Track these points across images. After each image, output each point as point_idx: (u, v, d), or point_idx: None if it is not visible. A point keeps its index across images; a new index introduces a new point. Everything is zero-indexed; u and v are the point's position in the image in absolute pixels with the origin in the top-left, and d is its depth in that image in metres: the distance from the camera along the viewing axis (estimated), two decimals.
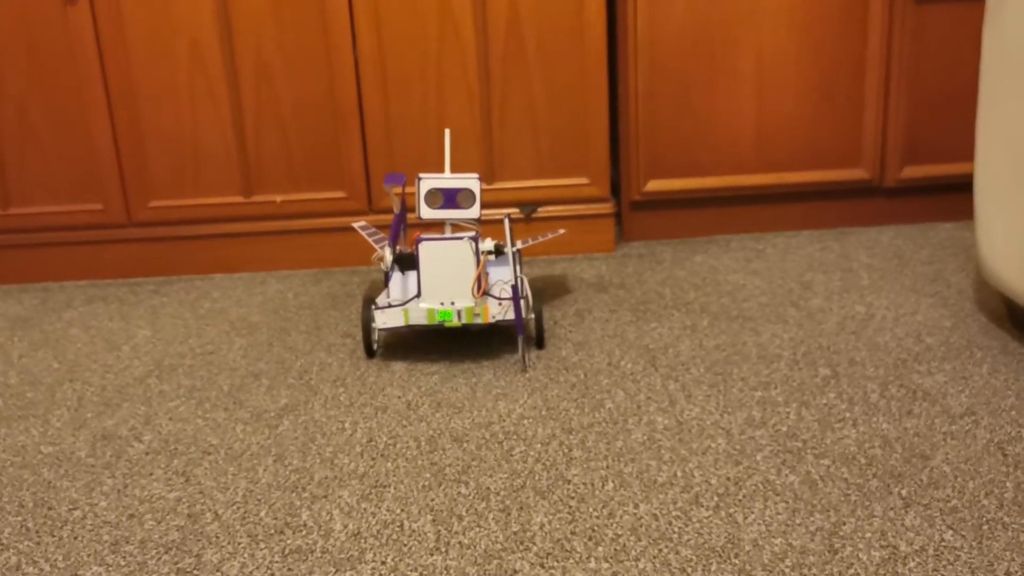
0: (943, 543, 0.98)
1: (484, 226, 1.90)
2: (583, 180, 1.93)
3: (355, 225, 1.69)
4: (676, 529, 1.02)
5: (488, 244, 1.44)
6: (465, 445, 1.21)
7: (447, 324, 1.41)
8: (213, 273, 1.95)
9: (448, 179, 1.41)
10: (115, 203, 1.91)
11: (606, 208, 1.95)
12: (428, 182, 1.40)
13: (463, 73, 1.85)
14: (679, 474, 1.12)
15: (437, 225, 1.82)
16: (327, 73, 1.85)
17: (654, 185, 1.97)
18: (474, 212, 1.42)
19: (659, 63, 1.90)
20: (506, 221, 1.42)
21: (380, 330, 1.48)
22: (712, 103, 1.93)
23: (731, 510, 1.04)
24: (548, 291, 1.73)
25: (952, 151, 1.99)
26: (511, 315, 1.44)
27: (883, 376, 1.34)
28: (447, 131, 1.46)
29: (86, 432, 1.30)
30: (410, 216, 1.85)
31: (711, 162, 1.96)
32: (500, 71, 1.86)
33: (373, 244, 1.60)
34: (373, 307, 1.46)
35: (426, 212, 1.41)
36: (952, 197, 2.03)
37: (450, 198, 1.41)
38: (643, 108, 1.93)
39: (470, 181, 1.41)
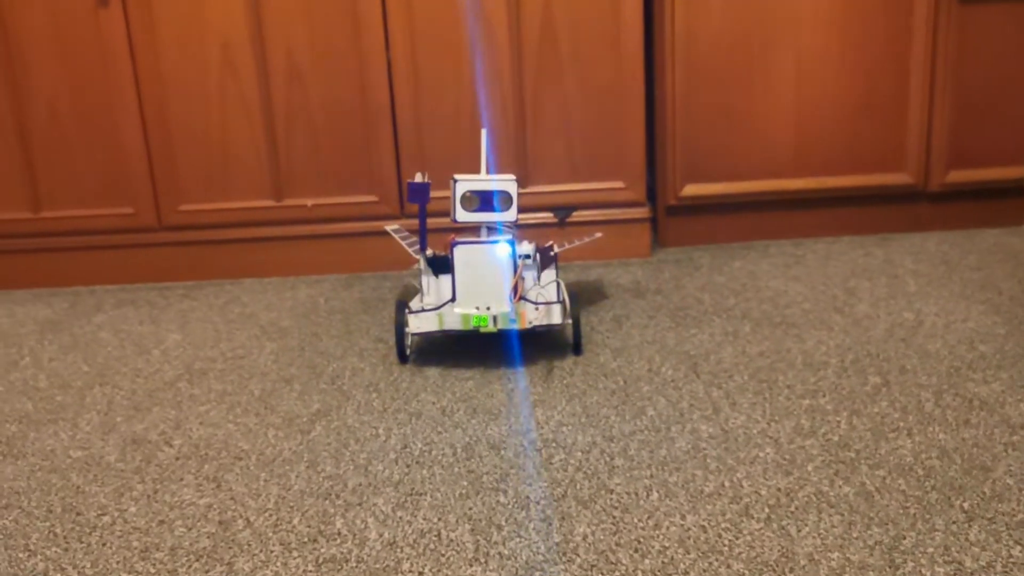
0: (1011, 559, 0.92)
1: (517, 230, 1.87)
2: (618, 184, 1.89)
3: (388, 228, 1.66)
4: (726, 542, 0.97)
5: (526, 247, 1.40)
6: (503, 452, 1.17)
7: (482, 330, 1.38)
8: (243, 277, 1.93)
9: (485, 180, 1.37)
10: (145, 207, 1.90)
11: (642, 212, 1.91)
12: (464, 184, 1.37)
13: (497, 75, 1.82)
14: (727, 484, 1.07)
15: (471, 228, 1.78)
16: (359, 75, 1.83)
17: (691, 189, 1.93)
18: (511, 215, 1.38)
19: (696, 65, 1.86)
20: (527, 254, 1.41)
21: (413, 335, 1.45)
22: (750, 106, 1.88)
23: (783, 522, 1.00)
24: (584, 297, 1.69)
25: (999, 155, 1.93)
26: (548, 320, 1.40)
27: (937, 384, 1.28)
28: (484, 131, 1.43)
29: (116, 436, 1.27)
30: (439, 222, 1.82)
31: (749, 166, 1.92)
32: (534, 73, 1.83)
33: (407, 248, 1.57)
34: (407, 311, 1.42)
35: (462, 215, 1.38)
36: (999, 202, 1.97)
37: (487, 200, 1.37)
38: (680, 111, 1.89)
39: (507, 183, 1.37)
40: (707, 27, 1.84)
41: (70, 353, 1.57)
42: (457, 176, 1.38)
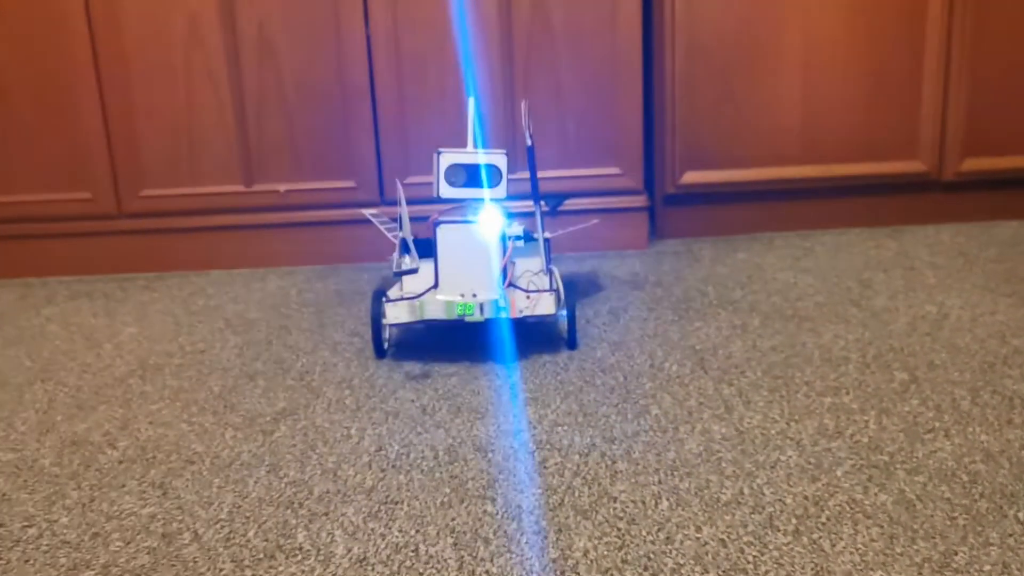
0: None
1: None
2: (614, 170, 1.76)
3: (367, 213, 1.53)
4: (750, 558, 0.84)
5: (516, 228, 1.27)
6: (490, 456, 1.03)
7: (468, 319, 1.24)
8: (209, 269, 1.78)
9: (472, 154, 1.24)
10: (104, 192, 1.76)
11: (639, 201, 1.78)
12: (449, 157, 1.24)
13: (484, 53, 1.70)
14: (746, 491, 0.94)
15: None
16: (336, 52, 1.70)
17: (691, 177, 1.81)
18: (501, 191, 1.25)
19: (698, 45, 1.74)
20: (537, 211, 1.26)
21: (391, 326, 1.31)
22: (755, 89, 1.76)
23: (815, 535, 0.86)
24: (578, 288, 1.56)
25: (1018, 142, 1.81)
26: (541, 309, 1.27)
27: (971, 381, 1.16)
28: (471, 99, 1.30)
29: (53, 437, 1.13)
30: (420, 209, 1.68)
31: (753, 153, 1.80)
32: (524, 51, 1.70)
33: (387, 233, 1.44)
34: (384, 300, 1.29)
35: (446, 190, 1.25)
36: (1018, 193, 1.86)
37: (474, 175, 1.24)
38: (680, 93, 1.76)
39: (496, 156, 1.24)
40: (710, 5, 1.72)
41: (12, 347, 1.43)
42: (442, 149, 1.25)
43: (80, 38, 1.68)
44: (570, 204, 1.77)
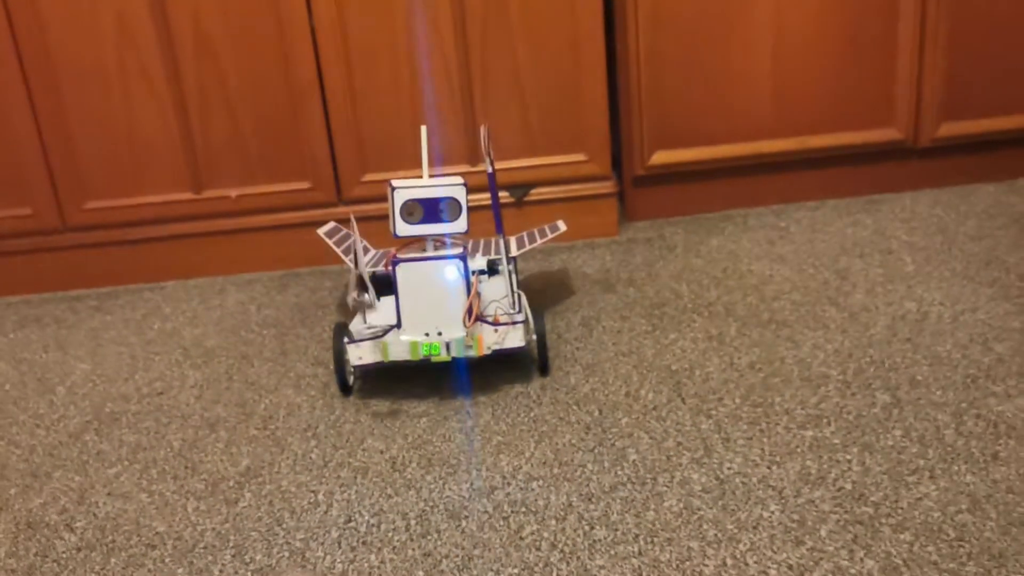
0: None
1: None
2: (580, 156, 1.69)
3: (320, 232, 1.45)
4: None
5: (479, 262, 1.20)
6: (464, 524, 1.00)
7: (434, 359, 1.19)
8: (164, 281, 1.71)
9: (428, 187, 1.17)
10: (45, 206, 1.66)
11: (608, 187, 1.71)
12: (404, 192, 1.17)
13: (438, 38, 1.60)
14: (729, 562, 0.91)
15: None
16: (279, 44, 1.59)
17: (660, 157, 1.74)
18: (461, 225, 1.18)
19: (663, 17, 1.65)
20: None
21: (355, 367, 1.25)
22: (725, 61, 1.68)
23: None
24: (547, 293, 1.51)
25: (997, 104, 1.75)
26: (509, 343, 1.22)
27: (954, 402, 1.13)
28: (423, 128, 1.22)
29: (7, 517, 1.08)
30: (380, 206, 1.61)
31: (725, 128, 1.73)
32: (480, 33, 1.60)
33: (343, 257, 1.37)
34: (346, 340, 1.23)
35: (403, 228, 1.18)
36: (993, 155, 1.81)
37: (431, 210, 1.17)
38: (645, 69, 1.68)
39: (455, 188, 1.17)
40: None
41: None
42: (395, 182, 1.17)
43: (1, 42, 1.56)
44: (535, 194, 1.70)
